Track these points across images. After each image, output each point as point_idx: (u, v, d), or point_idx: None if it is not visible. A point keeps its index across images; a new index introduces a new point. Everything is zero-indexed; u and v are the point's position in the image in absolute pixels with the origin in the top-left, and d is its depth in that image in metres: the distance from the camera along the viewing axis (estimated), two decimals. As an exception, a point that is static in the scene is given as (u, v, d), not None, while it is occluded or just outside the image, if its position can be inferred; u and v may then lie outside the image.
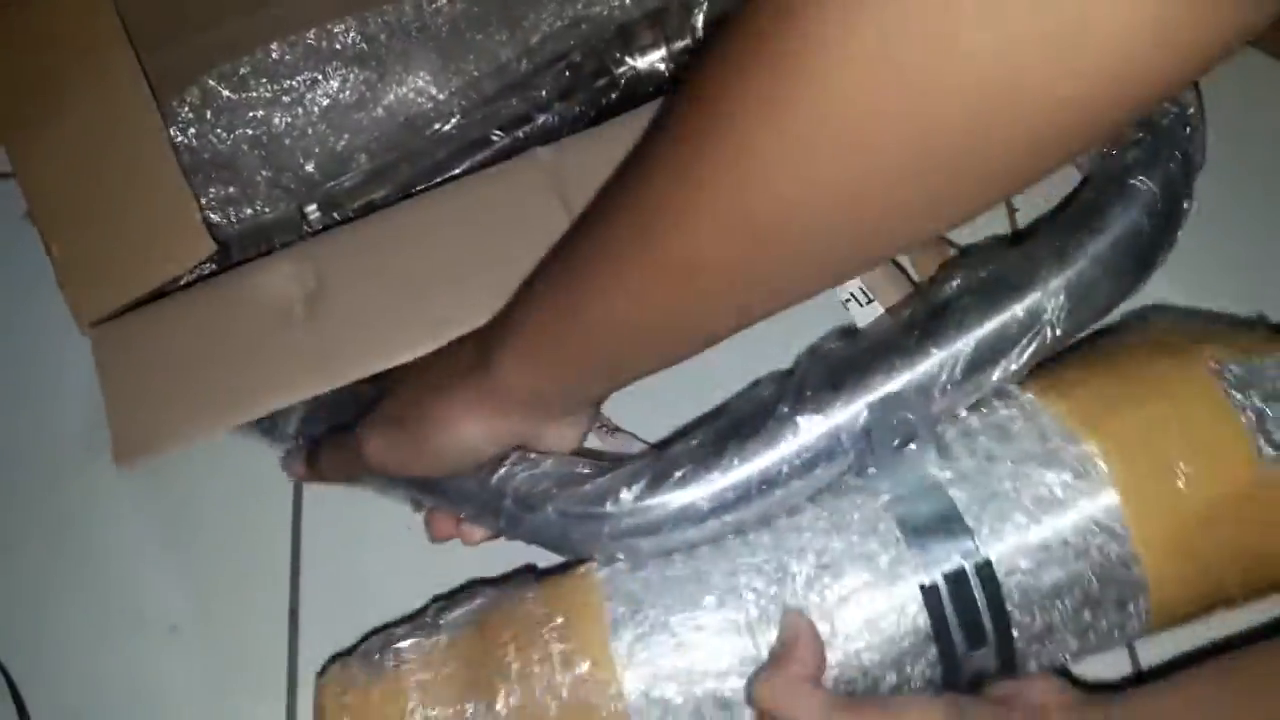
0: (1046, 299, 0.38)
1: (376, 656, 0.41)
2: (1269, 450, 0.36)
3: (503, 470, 0.41)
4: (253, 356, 0.47)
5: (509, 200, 0.48)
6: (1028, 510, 0.37)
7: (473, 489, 0.42)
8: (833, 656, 0.37)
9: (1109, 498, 0.36)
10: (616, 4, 0.55)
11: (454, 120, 0.56)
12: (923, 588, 0.37)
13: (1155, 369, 0.39)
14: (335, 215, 0.55)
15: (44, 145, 0.51)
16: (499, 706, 0.38)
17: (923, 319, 0.40)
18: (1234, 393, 0.36)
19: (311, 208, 0.55)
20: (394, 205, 0.51)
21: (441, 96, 0.56)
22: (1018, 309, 0.38)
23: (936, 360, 0.38)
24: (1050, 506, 0.37)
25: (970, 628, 0.37)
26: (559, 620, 0.39)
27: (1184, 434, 0.36)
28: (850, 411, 0.39)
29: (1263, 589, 0.38)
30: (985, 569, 0.37)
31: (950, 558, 0.37)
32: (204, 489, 0.55)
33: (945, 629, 0.37)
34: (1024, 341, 0.38)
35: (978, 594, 0.37)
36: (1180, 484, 0.36)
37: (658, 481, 0.39)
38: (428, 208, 0.50)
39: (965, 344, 0.38)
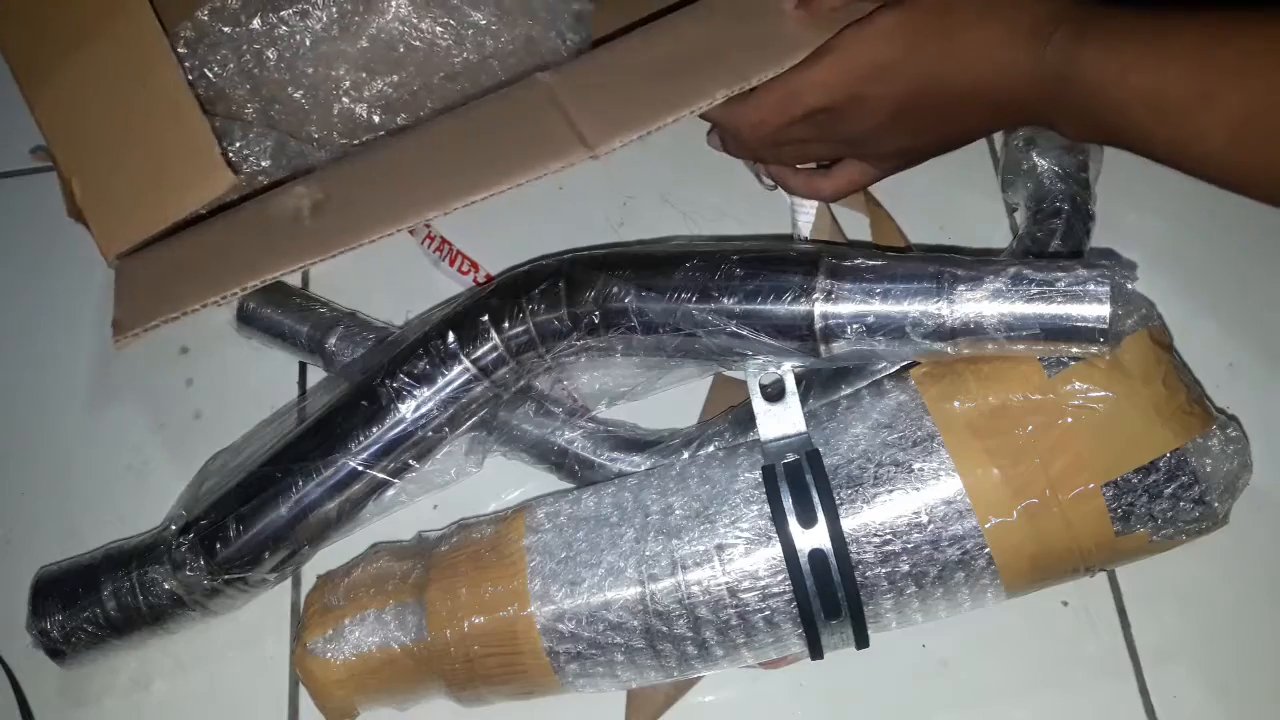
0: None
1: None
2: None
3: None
4: (257, 245, 0.50)
5: (511, 116, 0.52)
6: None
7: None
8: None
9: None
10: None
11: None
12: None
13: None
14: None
15: (59, 84, 0.52)
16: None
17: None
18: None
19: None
20: (401, 132, 0.54)
21: (423, 25, 0.57)
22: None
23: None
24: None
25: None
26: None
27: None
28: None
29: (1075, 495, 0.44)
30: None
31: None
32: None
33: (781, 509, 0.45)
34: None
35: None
36: (982, 387, 0.46)
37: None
38: (432, 128, 0.54)
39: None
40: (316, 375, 0.58)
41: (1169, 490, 0.44)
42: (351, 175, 0.54)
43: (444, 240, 0.60)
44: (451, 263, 0.59)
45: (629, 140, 0.49)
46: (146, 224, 0.51)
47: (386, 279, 0.60)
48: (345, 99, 0.57)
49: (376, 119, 0.57)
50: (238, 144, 0.56)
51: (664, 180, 0.62)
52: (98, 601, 0.49)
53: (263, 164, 0.57)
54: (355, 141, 0.58)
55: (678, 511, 0.46)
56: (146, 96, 0.51)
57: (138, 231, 0.51)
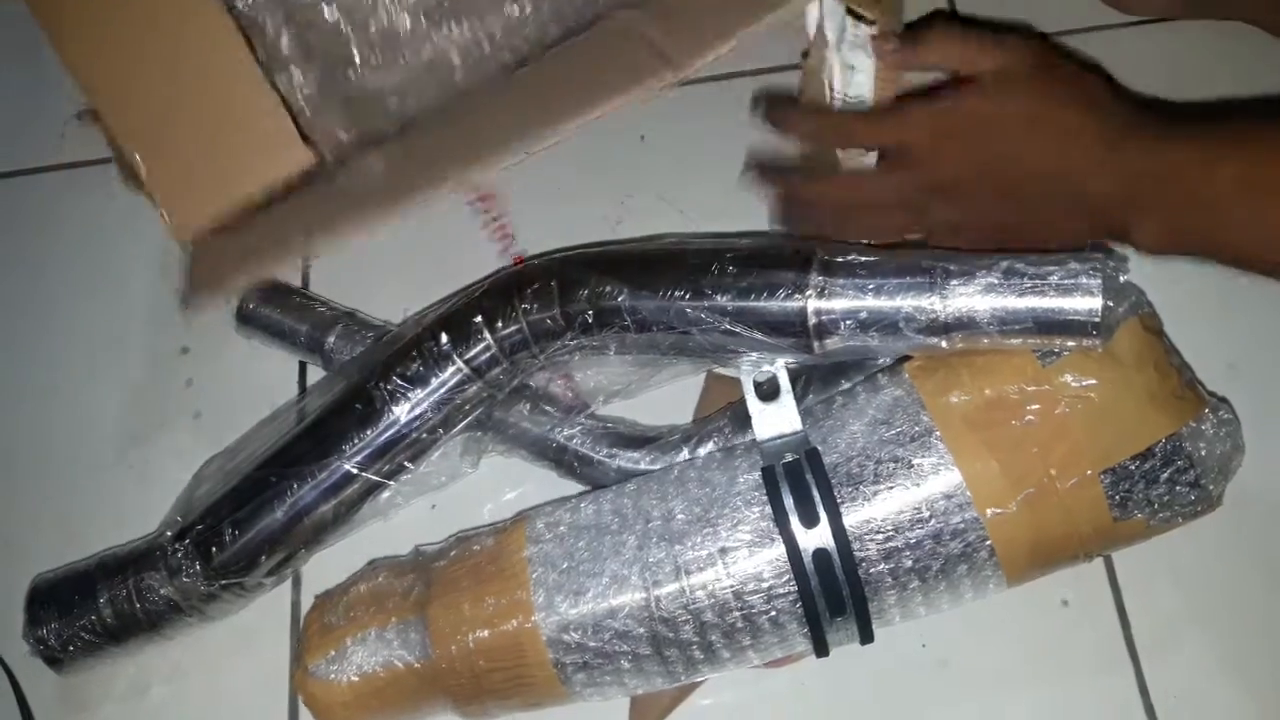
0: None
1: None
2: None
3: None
4: (331, 209, 0.48)
5: (591, 49, 0.53)
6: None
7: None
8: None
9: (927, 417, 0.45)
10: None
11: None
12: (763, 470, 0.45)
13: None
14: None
15: (120, 64, 0.49)
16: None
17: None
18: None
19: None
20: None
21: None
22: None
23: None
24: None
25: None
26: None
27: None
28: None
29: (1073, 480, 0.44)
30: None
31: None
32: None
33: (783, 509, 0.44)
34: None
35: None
36: (977, 380, 0.45)
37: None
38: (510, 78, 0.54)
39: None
40: (317, 375, 0.58)
41: (1165, 475, 0.44)
42: (425, 133, 0.52)
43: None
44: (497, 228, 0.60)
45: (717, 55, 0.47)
46: (219, 203, 0.48)
47: (385, 278, 0.60)
48: (383, 12, 0.53)
49: (423, 26, 0.54)
50: (279, 78, 0.53)
51: (662, 178, 0.62)
52: (94, 609, 0.49)
53: (306, 93, 0.54)
54: (401, 59, 0.55)
55: (679, 516, 0.46)
56: (200, 60, 0.48)
57: (211, 211, 0.49)
